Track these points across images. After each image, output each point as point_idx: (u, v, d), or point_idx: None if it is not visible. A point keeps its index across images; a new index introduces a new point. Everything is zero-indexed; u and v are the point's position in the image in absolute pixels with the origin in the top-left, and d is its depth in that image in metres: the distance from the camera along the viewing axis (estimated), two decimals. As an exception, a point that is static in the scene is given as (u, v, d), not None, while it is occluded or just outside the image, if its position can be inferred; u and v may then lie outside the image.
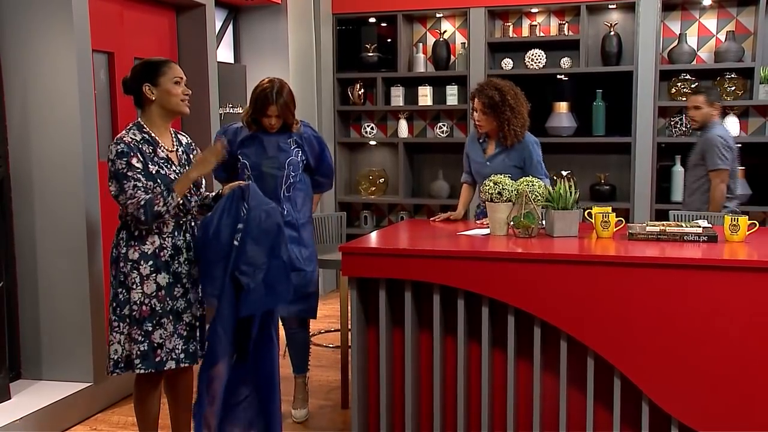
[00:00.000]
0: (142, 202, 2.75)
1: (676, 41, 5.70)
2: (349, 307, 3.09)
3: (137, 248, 2.83)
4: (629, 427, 2.83)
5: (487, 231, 3.28)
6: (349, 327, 3.14)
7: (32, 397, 3.65)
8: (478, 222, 3.62)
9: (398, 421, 3.09)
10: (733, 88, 5.57)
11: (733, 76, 5.59)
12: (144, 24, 4.64)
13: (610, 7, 5.83)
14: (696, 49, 5.71)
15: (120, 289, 2.84)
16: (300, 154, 3.58)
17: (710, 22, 5.73)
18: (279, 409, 2.98)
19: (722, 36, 5.67)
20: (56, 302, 3.84)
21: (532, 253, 2.84)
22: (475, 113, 3.76)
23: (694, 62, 5.67)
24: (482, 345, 2.92)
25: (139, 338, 2.82)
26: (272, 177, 3.52)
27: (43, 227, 3.82)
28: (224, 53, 5.72)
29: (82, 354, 3.82)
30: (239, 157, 3.55)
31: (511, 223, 3.16)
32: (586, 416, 2.84)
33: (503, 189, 3.16)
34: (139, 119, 2.92)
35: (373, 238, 3.32)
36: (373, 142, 6.59)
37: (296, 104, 3.57)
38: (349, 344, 3.25)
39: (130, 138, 2.82)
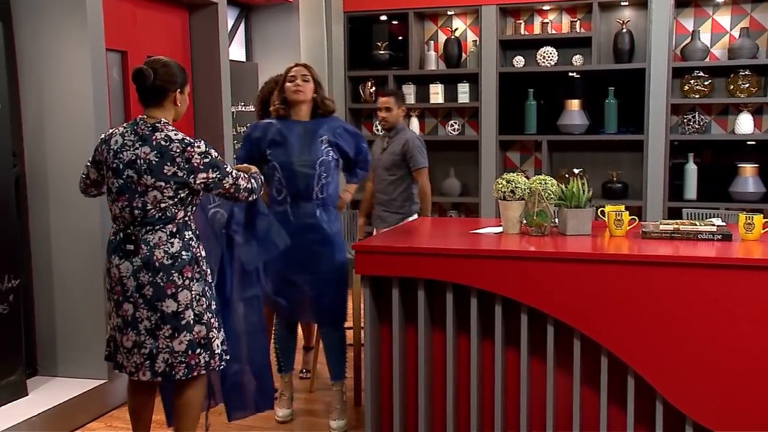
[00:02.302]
0: (246, 176, 2.91)
1: (689, 38, 5.67)
2: (362, 305, 3.09)
3: (202, 245, 2.88)
4: (643, 425, 2.83)
5: (499, 229, 3.28)
6: (362, 325, 3.15)
7: (48, 394, 3.68)
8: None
9: (411, 419, 3.10)
10: (746, 85, 5.54)
11: (747, 73, 5.55)
12: (157, 23, 4.66)
13: (622, 4, 5.80)
14: (709, 46, 5.67)
15: (205, 288, 2.84)
16: (332, 154, 3.49)
17: (724, 18, 5.70)
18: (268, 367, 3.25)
19: (736, 33, 5.63)
20: (71, 299, 3.87)
21: (545, 251, 2.84)
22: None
23: (708, 59, 5.64)
24: (495, 343, 2.93)
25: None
26: (304, 176, 3.42)
27: (58, 225, 3.85)
28: (236, 51, 5.74)
29: (97, 351, 3.82)
30: (269, 157, 3.46)
31: (524, 221, 3.16)
32: (599, 414, 2.84)
33: (516, 187, 3.15)
34: (164, 119, 2.83)
35: (386, 237, 3.32)
36: (384, 140, 6.59)
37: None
38: (362, 342, 3.25)
39: None
